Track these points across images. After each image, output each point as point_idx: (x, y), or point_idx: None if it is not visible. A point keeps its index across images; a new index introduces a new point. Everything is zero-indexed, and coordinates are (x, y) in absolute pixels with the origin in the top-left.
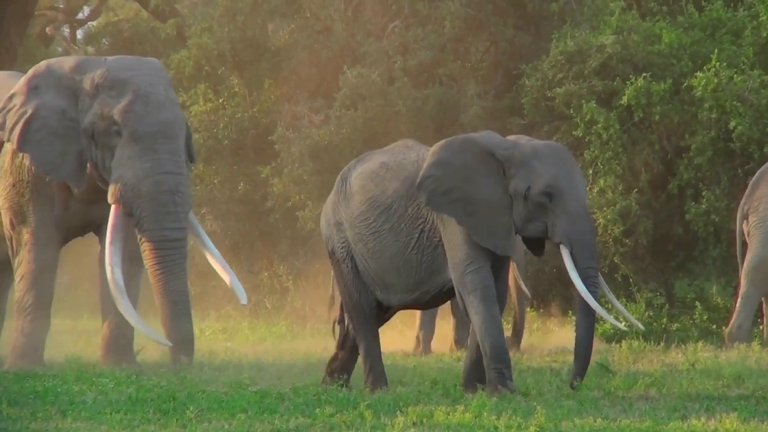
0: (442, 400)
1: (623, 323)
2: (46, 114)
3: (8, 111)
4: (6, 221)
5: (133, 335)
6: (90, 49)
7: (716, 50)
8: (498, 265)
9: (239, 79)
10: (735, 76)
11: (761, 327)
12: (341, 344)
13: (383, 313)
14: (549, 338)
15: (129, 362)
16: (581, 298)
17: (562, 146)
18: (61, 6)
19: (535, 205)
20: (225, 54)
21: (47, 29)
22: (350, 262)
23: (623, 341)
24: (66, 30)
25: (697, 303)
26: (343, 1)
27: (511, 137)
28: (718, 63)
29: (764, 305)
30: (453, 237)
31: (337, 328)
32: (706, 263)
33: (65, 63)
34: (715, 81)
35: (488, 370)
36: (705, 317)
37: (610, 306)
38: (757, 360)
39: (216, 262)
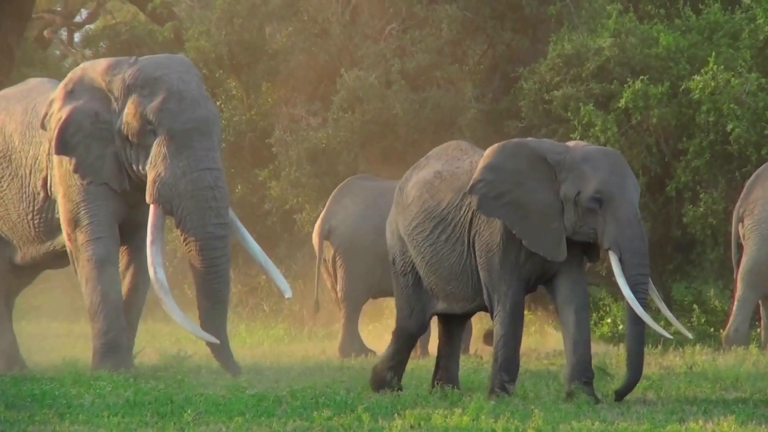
0: (440, 403)
1: (672, 329)
2: (80, 118)
3: (50, 117)
4: (65, 234)
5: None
6: (87, 52)
7: (714, 53)
8: (562, 270)
9: (237, 82)
10: (732, 79)
11: (759, 330)
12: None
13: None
14: (547, 341)
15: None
16: (629, 306)
17: (615, 151)
18: (59, 9)
19: (585, 211)
20: (222, 57)
21: (45, 32)
22: (411, 276)
23: (621, 344)
24: (63, 33)
25: (695, 306)
26: (341, 4)
27: (570, 143)
28: (715, 66)
29: (761, 308)
30: (490, 241)
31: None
32: (704, 266)
33: (98, 65)
34: (713, 84)
35: (494, 377)
36: (703, 320)
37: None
38: (755, 363)
39: (258, 259)
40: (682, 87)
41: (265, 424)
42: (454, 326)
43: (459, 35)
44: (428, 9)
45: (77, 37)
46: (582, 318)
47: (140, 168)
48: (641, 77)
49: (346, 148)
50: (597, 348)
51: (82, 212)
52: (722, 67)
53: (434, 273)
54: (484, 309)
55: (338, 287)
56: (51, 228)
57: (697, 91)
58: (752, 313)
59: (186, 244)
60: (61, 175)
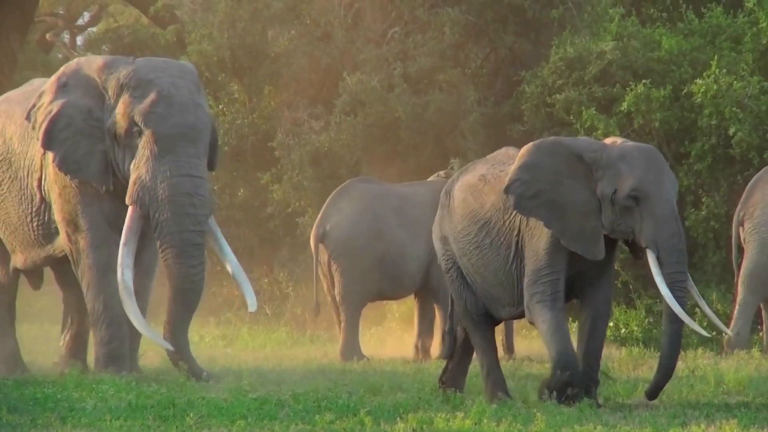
0: (442, 407)
1: (703, 326)
2: (72, 113)
3: (37, 108)
4: (63, 235)
5: (139, 343)
6: (90, 55)
7: (716, 57)
8: (592, 271)
9: (239, 85)
10: (735, 82)
11: (761, 334)
12: (449, 355)
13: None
14: None
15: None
16: (666, 304)
17: (652, 148)
18: (61, 12)
19: (622, 209)
20: (225, 60)
21: (47, 35)
22: (455, 272)
23: (623, 347)
24: (66, 36)
25: (697, 309)
26: (343, 7)
27: (607, 140)
28: (717, 69)
29: (763, 312)
30: (536, 245)
31: (447, 338)
32: (706, 270)
33: (94, 62)
34: (715, 87)
35: (553, 377)
36: (705, 324)
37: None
38: (757, 367)
39: (232, 269)
40: (685, 91)
41: (268, 428)
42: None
43: (461, 39)
44: (430, 12)
45: (80, 40)
46: (598, 328)
47: (126, 168)
48: (643, 81)
49: (348, 151)
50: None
51: (81, 215)
52: (724, 70)
53: (480, 276)
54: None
55: (335, 291)
56: (49, 231)
57: (700, 95)
58: (754, 317)
59: (162, 251)
60: (55, 174)
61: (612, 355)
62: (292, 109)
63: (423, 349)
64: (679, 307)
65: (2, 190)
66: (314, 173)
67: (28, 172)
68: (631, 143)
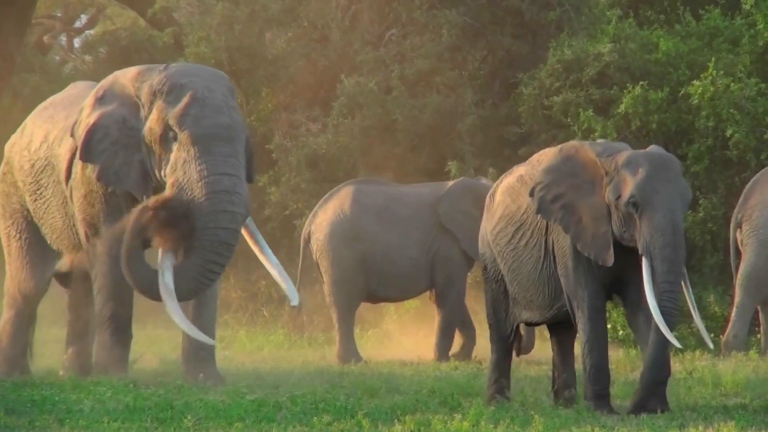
0: (440, 409)
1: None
2: (108, 123)
3: (78, 124)
4: (81, 233)
5: (214, 347)
6: (87, 57)
7: (713, 59)
8: (633, 276)
9: (236, 87)
10: (732, 84)
11: (758, 335)
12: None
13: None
14: (547, 346)
15: (211, 376)
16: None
17: (662, 155)
18: (59, 15)
19: (625, 215)
20: (222, 63)
21: (44, 38)
22: (501, 281)
23: (621, 349)
24: (63, 39)
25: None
26: (341, 9)
27: (650, 148)
28: (715, 71)
29: (761, 314)
30: (565, 247)
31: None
32: (703, 272)
33: (129, 72)
34: (712, 89)
35: (587, 388)
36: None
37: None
38: (755, 369)
39: (272, 267)
40: (682, 92)
41: (265, 430)
42: (565, 336)
43: (459, 41)
44: (428, 15)
45: (77, 42)
46: (655, 328)
47: (162, 174)
48: (641, 83)
49: (345, 153)
50: None
51: (103, 222)
52: (722, 72)
53: (515, 279)
54: (564, 318)
55: (325, 293)
56: None
57: (697, 97)
58: (751, 319)
59: (195, 244)
60: (82, 176)
61: (609, 357)
62: (289, 111)
63: (439, 351)
64: (661, 318)
65: (47, 194)
66: (312, 175)
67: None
68: (647, 150)
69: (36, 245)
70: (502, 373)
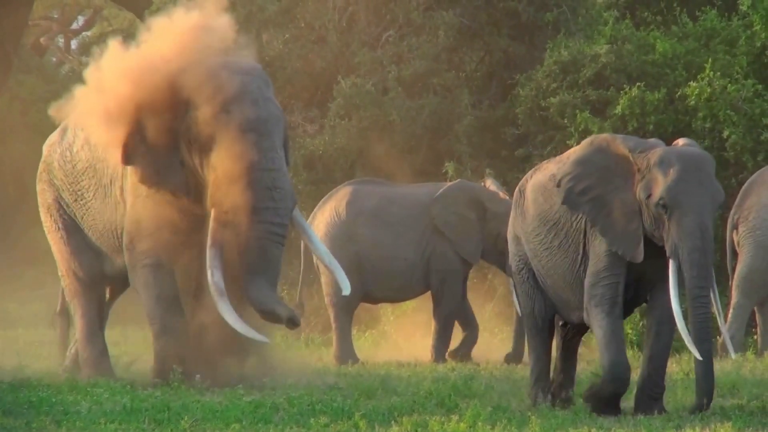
0: (437, 410)
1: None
2: (145, 125)
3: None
4: (125, 238)
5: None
6: (84, 59)
7: (710, 60)
8: (654, 275)
9: None
10: (729, 85)
11: (755, 337)
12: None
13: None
14: None
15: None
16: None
17: (696, 154)
18: (56, 16)
19: (655, 215)
20: None
21: (41, 39)
22: (526, 274)
23: None
24: (60, 40)
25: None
26: (338, 10)
27: (679, 140)
28: (711, 72)
29: (757, 315)
30: (598, 247)
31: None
32: None
33: (161, 72)
34: (709, 90)
35: (602, 385)
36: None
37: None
38: (752, 369)
39: (322, 257)
40: (679, 93)
41: (262, 431)
42: (572, 338)
43: (456, 42)
44: (425, 16)
45: (74, 44)
46: (663, 331)
47: (204, 174)
48: (638, 84)
49: (342, 154)
50: (594, 354)
51: (145, 224)
52: (719, 73)
53: (550, 279)
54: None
55: (324, 294)
56: None
57: (694, 98)
58: (748, 320)
59: (243, 242)
60: (132, 184)
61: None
62: (286, 112)
63: (435, 352)
64: (684, 325)
65: (89, 197)
66: (309, 176)
67: (111, 180)
68: (681, 148)
69: (77, 233)
70: (542, 371)
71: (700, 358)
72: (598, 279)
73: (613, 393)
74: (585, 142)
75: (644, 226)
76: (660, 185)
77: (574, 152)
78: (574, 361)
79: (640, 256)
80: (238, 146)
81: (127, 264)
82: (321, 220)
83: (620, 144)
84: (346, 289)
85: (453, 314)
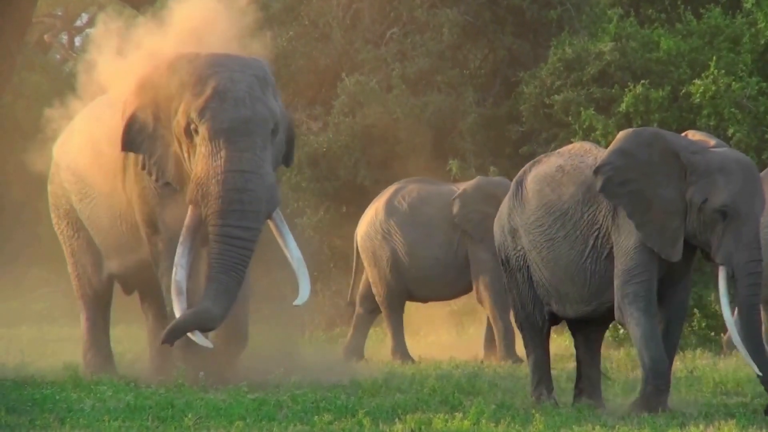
0: (441, 408)
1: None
2: (143, 116)
3: (122, 113)
4: (143, 235)
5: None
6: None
7: (714, 57)
8: (674, 273)
9: None
10: (733, 83)
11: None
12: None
13: (556, 324)
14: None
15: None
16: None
17: (750, 163)
18: (59, 13)
19: (708, 220)
20: None
21: (45, 36)
22: (526, 272)
23: (621, 348)
24: (64, 37)
25: (696, 310)
26: (342, 8)
27: (711, 141)
28: (716, 70)
29: (762, 312)
30: (625, 243)
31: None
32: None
33: (166, 60)
34: (714, 88)
35: (646, 384)
36: (703, 324)
37: None
38: None
39: (294, 263)
40: (683, 91)
41: (266, 429)
42: (594, 336)
43: (460, 40)
44: (429, 13)
45: (78, 41)
46: (673, 330)
47: (191, 167)
48: (642, 81)
49: (346, 152)
50: None
51: (158, 218)
52: (723, 71)
53: (548, 270)
54: (603, 314)
55: (374, 293)
56: (138, 234)
57: (698, 96)
58: None
59: (209, 244)
60: (136, 175)
61: (611, 356)
62: (290, 110)
63: (505, 350)
64: (737, 335)
65: (93, 193)
66: (313, 174)
67: (115, 174)
68: (730, 154)
69: (85, 235)
70: (543, 373)
71: (759, 374)
72: (630, 276)
73: (656, 390)
74: (629, 133)
75: (686, 227)
76: (723, 192)
77: (617, 141)
78: (599, 358)
79: (677, 256)
80: (212, 145)
81: (153, 258)
82: (365, 218)
83: (670, 140)
84: (299, 300)
85: (503, 310)
